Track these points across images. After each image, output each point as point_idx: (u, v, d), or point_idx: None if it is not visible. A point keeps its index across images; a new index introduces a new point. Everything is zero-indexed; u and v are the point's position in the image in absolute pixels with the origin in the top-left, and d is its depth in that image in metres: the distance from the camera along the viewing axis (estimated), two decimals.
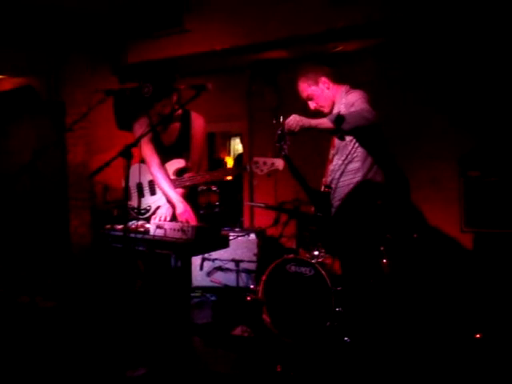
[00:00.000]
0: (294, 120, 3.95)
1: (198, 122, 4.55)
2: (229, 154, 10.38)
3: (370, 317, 4.33)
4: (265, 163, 4.16)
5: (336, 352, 4.32)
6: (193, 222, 4.22)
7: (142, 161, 4.56)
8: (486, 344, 4.33)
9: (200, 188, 7.21)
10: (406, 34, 5.64)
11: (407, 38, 5.76)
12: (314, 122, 4.06)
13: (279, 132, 3.96)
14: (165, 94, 4.34)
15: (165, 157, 4.48)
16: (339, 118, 3.94)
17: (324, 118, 4.12)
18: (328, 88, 4.41)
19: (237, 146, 10.32)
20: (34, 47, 6.81)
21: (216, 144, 9.92)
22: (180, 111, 4.46)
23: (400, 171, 5.42)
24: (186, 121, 4.53)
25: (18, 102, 7.40)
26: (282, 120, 3.98)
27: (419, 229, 5.52)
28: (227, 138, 10.39)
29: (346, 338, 4.32)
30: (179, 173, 4.48)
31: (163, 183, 4.37)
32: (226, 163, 9.80)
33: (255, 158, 4.22)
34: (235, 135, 10.11)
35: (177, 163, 4.48)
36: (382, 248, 4.49)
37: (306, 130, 3.99)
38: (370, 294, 4.36)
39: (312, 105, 4.46)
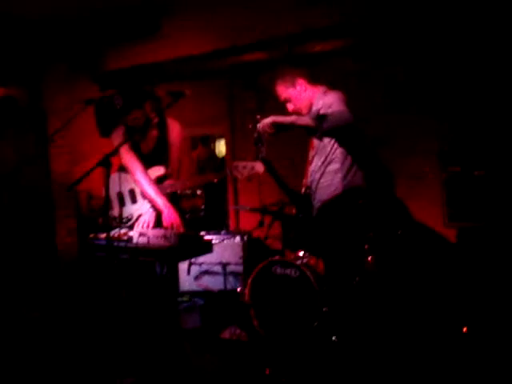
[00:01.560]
0: (265, 121, 3.99)
1: (174, 128, 4.56)
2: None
3: (356, 315, 4.35)
4: (244, 167, 4.16)
5: (324, 352, 4.34)
6: (179, 225, 4.23)
7: (121, 169, 4.56)
8: (472, 337, 4.35)
9: (184, 192, 7.21)
10: (381, 33, 5.64)
11: (383, 37, 5.76)
12: (291, 118, 4.12)
13: (256, 135, 3.99)
14: (135, 105, 4.34)
15: (145, 165, 4.47)
16: (321, 117, 3.97)
17: (304, 116, 4.16)
18: (305, 90, 4.42)
19: (222, 147, 10.33)
20: (15, 57, 6.79)
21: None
22: (156, 119, 4.46)
23: (383, 168, 5.45)
24: (162, 128, 4.53)
25: None
26: (258, 122, 4.01)
27: (404, 225, 5.53)
28: (212, 139, 10.40)
29: (333, 338, 4.33)
30: (159, 180, 4.49)
31: (149, 189, 4.36)
32: None
33: (235, 163, 4.23)
34: (220, 137, 10.11)
35: (156, 170, 4.49)
36: (366, 246, 4.51)
37: (283, 128, 4.03)
38: (355, 292, 4.38)
39: (290, 107, 4.47)
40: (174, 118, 4.63)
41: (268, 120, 4.00)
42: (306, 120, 4.07)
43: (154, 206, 4.39)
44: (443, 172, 5.37)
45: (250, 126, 4.05)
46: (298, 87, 4.41)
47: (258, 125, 4.02)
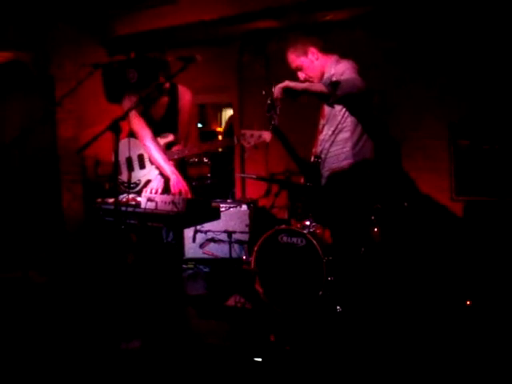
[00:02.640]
0: (278, 85, 3.96)
1: (185, 96, 4.55)
2: (220, 126, 10.33)
3: (361, 286, 4.36)
4: (252, 135, 4.17)
5: (328, 321, 4.36)
6: (187, 192, 4.23)
7: (131, 135, 4.55)
8: (475, 311, 4.38)
9: (192, 160, 7.21)
10: (393, 2, 5.59)
11: (395, 7, 5.70)
12: (304, 84, 4.11)
13: (269, 102, 3.96)
14: (150, 81, 4.33)
15: (154, 131, 4.46)
16: (333, 84, 3.95)
17: (317, 83, 4.14)
18: (317, 58, 4.40)
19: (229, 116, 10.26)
20: (24, 21, 6.73)
21: (207, 115, 9.87)
22: (167, 85, 4.43)
23: (391, 139, 5.43)
24: (173, 94, 4.52)
25: (6, 77, 7.32)
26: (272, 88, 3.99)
27: (410, 197, 5.53)
28: (218, 109, 10.33)
29: (337, 307, 4.36)
30: (167, 146, 4.49)
31: (157, 155, 4.36)
32: (217, 135, 9.76)
33: (242, 131, 4.24)
34: (227, 106, 10.04)
35: (165, 137, 4.49)
36: (372, 217, 4.51)
37: (294, 95, 3.99)
38: (360, 262, 4.39)
39: (301, 75, 4.45)
40: (183, 85, 4.62)
41: (281, 84, 3.98)
42: (319, 86, 4.03)
43: (161, 173, 4.39)
44: (452, 145, 5.34)
45: (264, 93, 4.02)
46: (310, 55, 4.38)
47: (273, 89, 3.99)
